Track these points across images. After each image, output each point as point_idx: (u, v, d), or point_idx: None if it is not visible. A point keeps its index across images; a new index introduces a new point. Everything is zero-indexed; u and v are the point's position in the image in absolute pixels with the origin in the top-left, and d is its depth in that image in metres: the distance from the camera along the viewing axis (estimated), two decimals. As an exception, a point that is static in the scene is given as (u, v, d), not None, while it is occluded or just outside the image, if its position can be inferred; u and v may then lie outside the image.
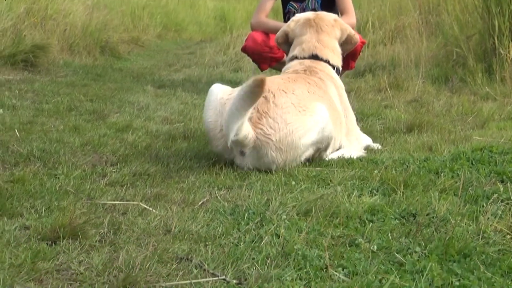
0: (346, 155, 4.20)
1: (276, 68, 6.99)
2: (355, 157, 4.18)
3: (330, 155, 4.17)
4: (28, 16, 8.94)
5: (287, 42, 4.68)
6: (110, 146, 4.39)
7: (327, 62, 4.46)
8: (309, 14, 4.65)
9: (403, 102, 6.18)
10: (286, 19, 6.74)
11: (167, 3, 17.05)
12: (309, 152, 4.01)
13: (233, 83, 7.40)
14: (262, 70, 7.09)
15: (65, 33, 9.63)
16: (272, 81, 4.02)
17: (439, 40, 8.58)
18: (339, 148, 4.29)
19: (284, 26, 4.71)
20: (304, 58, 4.46)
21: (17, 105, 5.70)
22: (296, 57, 4.51)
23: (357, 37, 4.72)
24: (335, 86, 4.39)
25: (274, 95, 3.92)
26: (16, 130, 4.62)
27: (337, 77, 4.47)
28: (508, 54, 6.71)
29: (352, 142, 4.39)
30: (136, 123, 5.17)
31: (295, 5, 6.72)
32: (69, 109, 5.70)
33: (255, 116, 3.85)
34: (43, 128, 4.84)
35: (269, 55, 6.69)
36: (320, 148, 4.05)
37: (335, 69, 4.50)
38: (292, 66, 4.47)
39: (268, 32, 6.58)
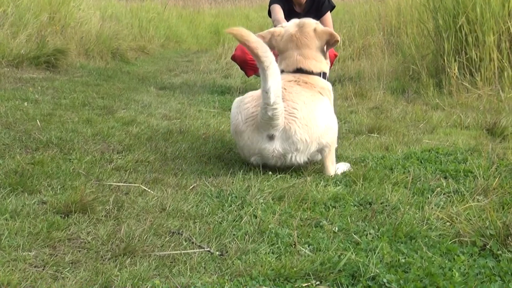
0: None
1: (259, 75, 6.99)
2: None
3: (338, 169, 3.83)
4: (50, 24, 8.90)
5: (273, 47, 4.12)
6: (117, 137, 4.38)
7: (311, 72, 4.00)
8: (291, 29, 4.12)
9: (366, 108, 6.19)
10: None
11: (169, 18, 16.98)
12: (317, 145, 3.65)
13: (223, 87, 7.43)
14: (248, 76, 7.09)
15: (82, 40, 9.58)
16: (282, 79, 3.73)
17: (399, 57, 8.60)
18: None
19: (272, 38, 4.16)
20: (290, 72, 4.01)
21: (39, 100, 5.67)
22: (283, 71, 3.97)
23: (337, 36, 4.11)
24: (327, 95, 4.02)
25: (285, 88, 3.69)
26: (37, 121, 4.61)
27: (324, 83, 4.02)
28: (454, 72, 6.75)
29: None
30: (140, 118, 5.15)
31: None
32: (83, 104, 5.67)
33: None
34: (60, 119, 4.82)
35: (253, 63, 6.67)
36: (323, 145, 3.69)
37: (321, 75, 4.06)
38: (284, 78, 3.88)
39: (273, 19, 6.44)
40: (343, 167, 3.86)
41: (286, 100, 3.62)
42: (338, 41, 4.18)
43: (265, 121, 3.55)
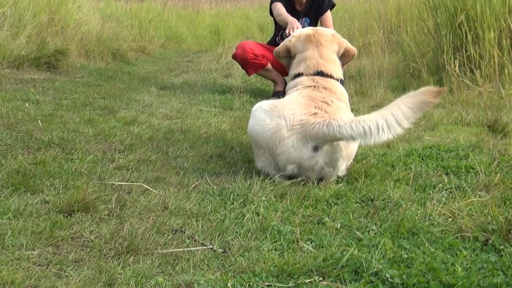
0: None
1: (260, 74, 6.96)
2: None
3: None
4: (50, 25, 8.90)
5: (288, 55, 4.16)
6: (118, 137, 4.39)
7: (331, 77, 3.92)
8: (308, 30, 4.14)
9: (367, 106, 6.19)
10: (279, 35, 6.70)
11: (169, 18, 16.97)
12: (346, 166, 3.59)
13: (224, 86, 7.42)
14: (248, 75, 7.08)
15: (82, 41, 9.57)
16: (318, 92, 3.72)
17: (399, 55, 8.60)
18: None
19: (286, 41, 4.16)
20: (310, 75, 3.90)
21: (40, 100, 5.67)
22: (302, 74, 3.94)
23: (354, 50, 4.22)
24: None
25: (332, 101, 3.62)
26: (39, 121, 4.61)
27: (342, 90, 3.95)
28: (454, 69, 6.75)
29: None
30: (141, 118, 5.16)
31: None
32: (85, 104, 5.68)
33: (327, 116, 3.43)
34: (62, 120, 4.82)
35: (254, 61, 6.67)
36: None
37: (339, 81, 3.98)
38: (302, 81, 3.87)
39: (275, 14, 6.47)
40: None
41: (336, 116, 3.46)
42: (355, 54, 4.23)
43: (324, 139, 3.36)
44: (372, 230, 2.74)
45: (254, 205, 3.03)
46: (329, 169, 3.45)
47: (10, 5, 8.22)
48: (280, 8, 6.44)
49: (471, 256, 2.44)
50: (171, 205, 3.00)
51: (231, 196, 3.18)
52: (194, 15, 19.66)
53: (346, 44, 4.18)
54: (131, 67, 9.84)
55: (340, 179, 3.57)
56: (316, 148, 3.39)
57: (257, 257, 2.44)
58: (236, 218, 2.88)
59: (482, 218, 2.74)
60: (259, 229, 2.72)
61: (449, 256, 2.44)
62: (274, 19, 6.77)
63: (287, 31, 5.84)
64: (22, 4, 8.50)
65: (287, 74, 4.43)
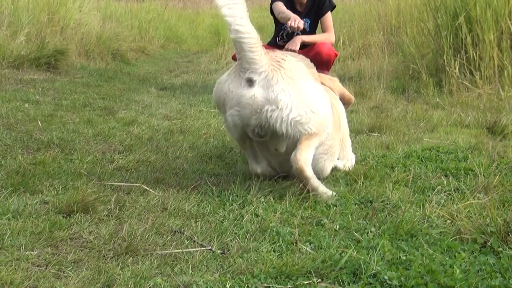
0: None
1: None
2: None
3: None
4: (50, 25, 8.90)
5: None
6: (118, 137, 4.39)
7: None
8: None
9: (366, 108, 6.20)
10: (280, 35, 6.68)
11: (169, 19, 16.98)
12: (299, 112, 3.15)
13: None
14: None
15: (82, 41, 9.57)
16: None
17: (399, 57, 8.60)
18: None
19: None
20: None
21: (40, 101, 5.68)
22: None
23: (351, 98, 4.06)
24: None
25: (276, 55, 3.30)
26: (38, 121, 4.62)
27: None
28: (454, 71, 6.76)
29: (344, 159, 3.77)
30: (141, 119, 5.16)
31: None
32: (84, 105, 5.68)
33: (264, 52, 3.19)
34: (61, 120, 4.83)
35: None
36: (312, 130, 3.19)
37: None
38: None
39: (277, 12, 6.46)
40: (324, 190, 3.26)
41: (275, 52, 3.34)
42: (351, 101, 4.12)
43: (238, 48, 3.15)
44: (371, 231, 2.74)
45: (253, 206, 3.03)
46: (269, 108, 3.12)
47: (8, 4, 8.22)
48: (281, 6, 6.45)
49: (469, 258, 2.44)
50: (170, 206, 3.01)
51: (230, 197, 3.18)
52: (194, 15, 19.66)
53: (343, 90, 4.05)
54: (131, 67, 9.85)
55: (339, 180, 3.57)
56: (250, 82, 3.13)
57: (255, 258, 2.44)
58: (235, 219, 2.88)
59: (480, 220, 2.74)
60: (258, 231, 2.73)
61: (447, 258, 2.44)
62: (275, 20, 6.77)
63: (289, 23, 5.85)
64: (21, 3, 8.50)
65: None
